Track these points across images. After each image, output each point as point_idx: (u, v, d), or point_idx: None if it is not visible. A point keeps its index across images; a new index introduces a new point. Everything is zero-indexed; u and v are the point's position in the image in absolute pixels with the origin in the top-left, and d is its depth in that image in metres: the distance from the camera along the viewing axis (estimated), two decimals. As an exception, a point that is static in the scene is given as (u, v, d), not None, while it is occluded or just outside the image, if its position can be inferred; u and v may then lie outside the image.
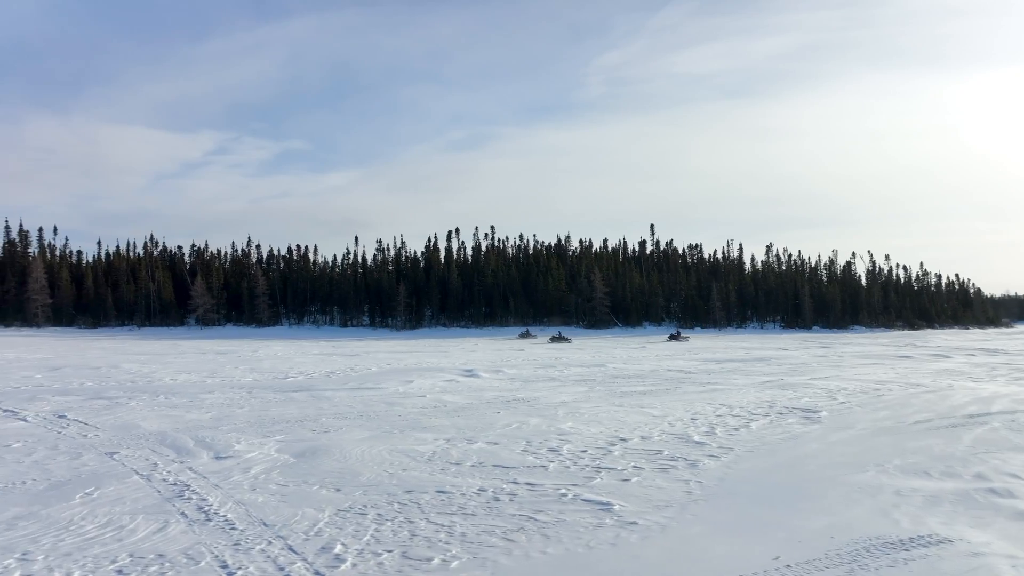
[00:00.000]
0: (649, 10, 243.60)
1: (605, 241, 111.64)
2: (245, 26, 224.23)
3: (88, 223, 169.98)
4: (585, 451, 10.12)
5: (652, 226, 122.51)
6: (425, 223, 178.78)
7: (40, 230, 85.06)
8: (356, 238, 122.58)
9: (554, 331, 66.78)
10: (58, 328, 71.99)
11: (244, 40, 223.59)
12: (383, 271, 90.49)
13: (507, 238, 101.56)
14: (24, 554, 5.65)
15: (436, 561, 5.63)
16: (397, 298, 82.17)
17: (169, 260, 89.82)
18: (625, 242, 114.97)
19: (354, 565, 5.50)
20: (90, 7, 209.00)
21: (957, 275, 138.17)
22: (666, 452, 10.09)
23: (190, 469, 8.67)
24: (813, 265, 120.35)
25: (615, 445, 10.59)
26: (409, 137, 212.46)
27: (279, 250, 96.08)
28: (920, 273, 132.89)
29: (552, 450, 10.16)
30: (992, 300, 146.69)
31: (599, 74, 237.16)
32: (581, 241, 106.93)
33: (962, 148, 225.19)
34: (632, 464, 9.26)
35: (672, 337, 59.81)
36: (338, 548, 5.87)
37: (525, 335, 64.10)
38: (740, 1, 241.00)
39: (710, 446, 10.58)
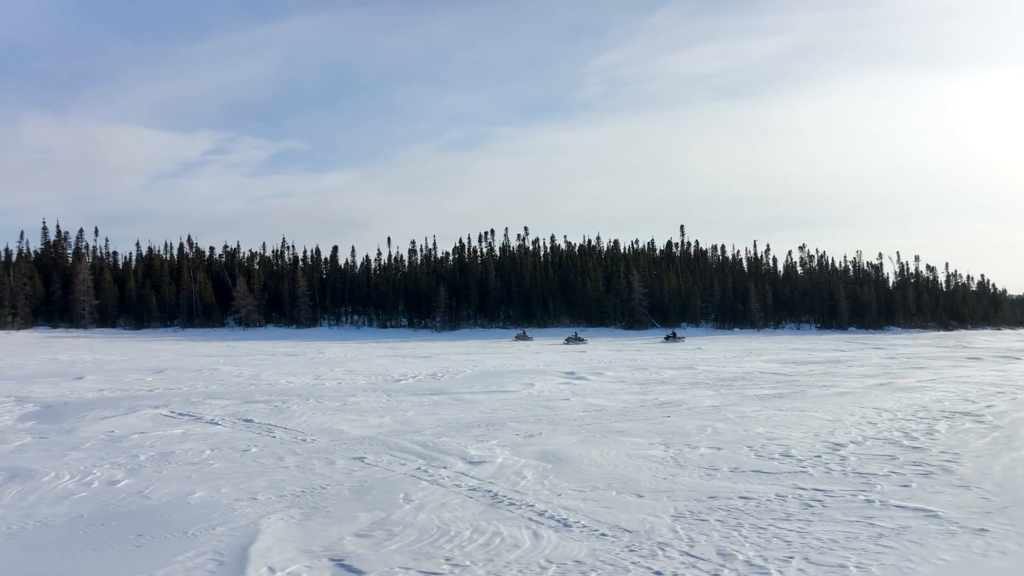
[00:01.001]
0: (646, 11, 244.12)
1: (636, 242, 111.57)
2: (243, 26, 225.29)
3: (86, 223, 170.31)
4: (818, 456, 9.99)
5: (682, 227, 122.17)
6: (423, 223, 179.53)
7: (81, 231, 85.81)
8: (388, 239, 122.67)
9: (593, 331, 66.37)
10: (104, 329, 72.48)
11: (242, 40, 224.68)
12: (421, 272, 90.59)
13: (536, 239, 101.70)
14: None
15: (852, 569, 5.55)
16: (437, 299, 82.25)
17: (206, 261, 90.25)
18: (653, 243, 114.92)
19: (802, 571, 5.42)
20: (88, 7, 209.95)
21: (983, 275, 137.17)
22: (900, 457, 9.95)
23: (466, 475, 8.61)
24: (843, 266, 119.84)
25: (838, 449, 10.46)
26: (407, 137, 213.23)
27: (313, 251, 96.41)
28: (950, 274, 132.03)
29: (785, 455, 10.04)
30: (1010, 300, 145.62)
31: (597, 74, 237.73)
32: (611, 242, 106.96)
33: (960, 148, 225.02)
34: (888, 470, 9.13)
35: (668, 338, 59.04)
36: (741, 556, 5.80)
37: (522, 336, 62.02)
38: (737, 2, 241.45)
39: (931, 451, 10.43)
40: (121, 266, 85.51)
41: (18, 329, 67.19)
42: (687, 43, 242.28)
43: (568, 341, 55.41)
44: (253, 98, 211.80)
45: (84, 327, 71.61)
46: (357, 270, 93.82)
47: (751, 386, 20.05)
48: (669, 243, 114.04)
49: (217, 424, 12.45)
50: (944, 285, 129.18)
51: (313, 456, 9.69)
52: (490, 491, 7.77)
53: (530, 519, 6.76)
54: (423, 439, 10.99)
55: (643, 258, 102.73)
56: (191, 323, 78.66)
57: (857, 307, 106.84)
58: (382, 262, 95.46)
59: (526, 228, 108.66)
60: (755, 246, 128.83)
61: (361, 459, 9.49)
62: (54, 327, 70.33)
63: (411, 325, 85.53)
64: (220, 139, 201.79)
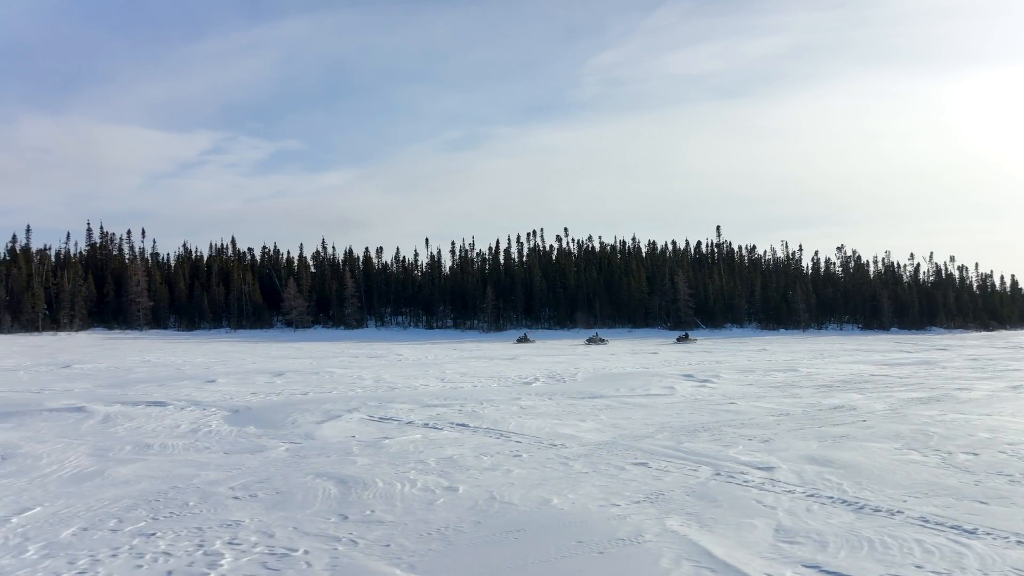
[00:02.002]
0: (643, 11, 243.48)
1: (672, 242, 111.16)
2: (240, 26, 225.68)
3: (84, 223, 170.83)
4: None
5: (718, 228, 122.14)
6: (422, 223, 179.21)
7: (128, 232, 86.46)
8: (427, 240, 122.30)
9: (641, 332, 65.94)
10: (158, 330, 73.04)
11: (239, 40, 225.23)
12: (467, 273, 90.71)
13: (573, 239, 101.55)
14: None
15: None
16: (485, 300, 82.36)
17: (247, 262, 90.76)
18: (688, 243, 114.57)
19: None
20: (84, 7, 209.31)
21: (1013, 276, 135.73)
22: None
23: (779, 481, 8.54)
24: (879, 267, 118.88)
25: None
26: (405, 137, 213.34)
27: (355, 251, 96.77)
28: (984, 275, 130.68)
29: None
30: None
31: (594, 74, 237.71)
32: (649, 243, 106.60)
33: (958, 148, 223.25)
34: None
35: (680, 339, 58.47)
36: None
37: (523, 339, 59.47)
38: (734, 2, 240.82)
39: None
40: (168, 267, 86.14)
41: (77, 331, 67.84)
42: (684, 43, 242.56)
43: (589, 342, 55.14)
44: (251, 98, 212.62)
45: (139, 328, 72.17)
46: (394, 270, 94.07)
47: (888, 389, 19.83)
48: (698, 243, 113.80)
49: (438, 429, 12.43)
50: (976, 286, 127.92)
51: (595, 461, 9.63)
52: (851, 501, 7.67)
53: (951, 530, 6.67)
54: (670, 444, 10.92)
55: (683, 258, 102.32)
56: (240, 324, 79.10)
57: (899, 308, 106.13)
58: (420, 262, 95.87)
59: (566, 229, 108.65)
60: (786, 247, 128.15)
61: (644, 464, 9.45)
62: (110, 328, 70.93)
63: (455, 326, 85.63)
64: (218, 139, 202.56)
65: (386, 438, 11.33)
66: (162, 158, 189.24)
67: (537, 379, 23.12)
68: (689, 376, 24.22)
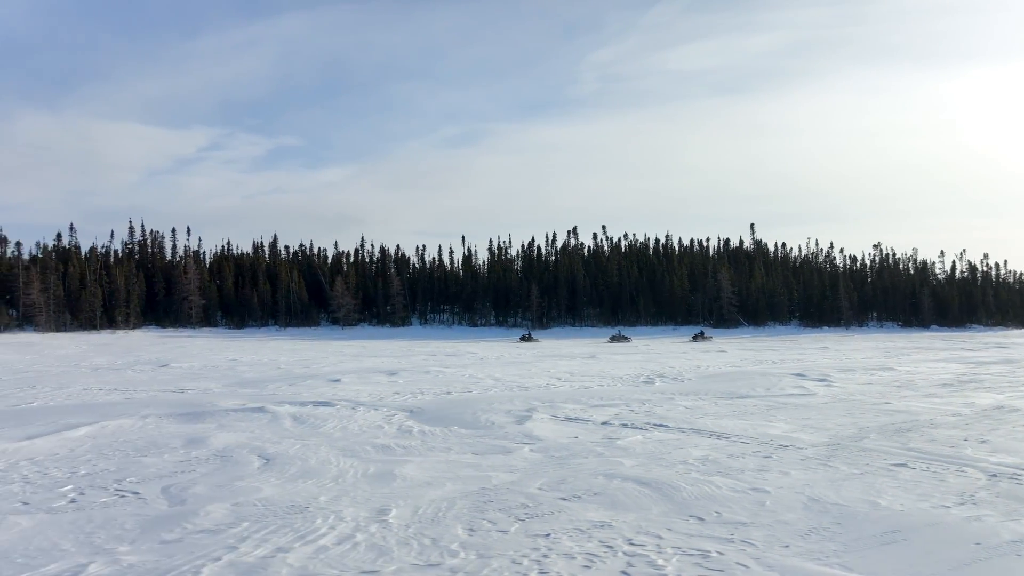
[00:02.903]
0: (641, 7, 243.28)
1: (707, 239, 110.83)
2: (237, 23, 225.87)
3: (82, 219, 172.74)
4: None
5: (752, 225, 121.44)
6: (420, 220, 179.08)
7: (174, 230, 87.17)
8: (463, 237, 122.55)
9: (685, 330, 65.70)
10: (209, 328, 73.65)
11: (236, 37, 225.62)
12: (509, 270, 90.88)
13: (609, 237, 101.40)
14: None
15: None
16: (530, 298, 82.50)
17: (296, 260, 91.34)
18: (720, 240, 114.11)
19: None
20: (81, 4, 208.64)
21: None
22: None
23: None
24: (921, 264, 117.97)
25: None
26: (403, 134, 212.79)
27: (400, 250, 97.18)
28: (1021, 272, 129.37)
29: None
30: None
31: (592, 71, 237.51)
32: (687, 241, 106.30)
33: (956, 144, 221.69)
34: None
35: (696, 338, 58.13)
36: None
37: (527, 338, 56.77)
38: None
39: None
40: (215, 265, 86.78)
41: (132, 328, 68.55)
42: (682, 40, 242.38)
43: (613, 339, 55.09)
44: (248, 94, 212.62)
45: (192, 326, 72.82)
46: (432, 267, 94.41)
47: (1017, 387, 19.75)
48: (727, 240, 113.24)
49: (642, 429, 12.49)
50: (1013, 283, 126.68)
51: (850, 462, 9.68)
52: None
53: None
54: (894, 445, 10.94)
55: (721, 256, 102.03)
56: (287, 323, 79.62)
57: (939, 305, 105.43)
58: (455, 260, 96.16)
59: (604, 227, 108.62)
60: (817, 243, 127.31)
61: (905, 466, 9.49)
62: (162, 327, 71.60)
63: (497, 324, 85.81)
64: (215, 135, 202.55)
65: (612, 439, 11.41)
66: (160, 155, 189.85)
67: (652, 378, 23.16)
68: (801, 375, 24.18)
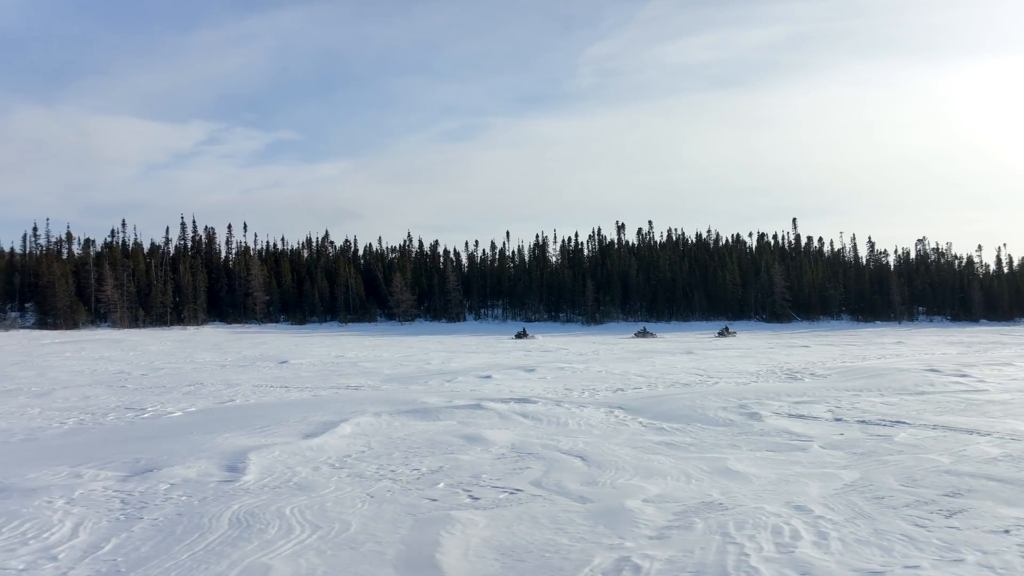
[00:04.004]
0: (638, 1, 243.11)
1: (750, 234, 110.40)
2: (233, 17, 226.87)
3: (79, 214, 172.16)
4: None
5: (794, 220, 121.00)
6: (419, 214, 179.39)
7: (230, 227, 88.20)
8: (508, 233, 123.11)
9: (739, 325, 65.51)
10: (272, 324, 74.49)
11: (233, 31, 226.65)
12: (563, 266, 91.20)
13: (653, 231, 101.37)
14: None
15: None
16: (585, 293, 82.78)
17: (352, 256, 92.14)
18: (761, 234, 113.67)
19: None
20: None
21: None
22: None
23: None
24: (966, 259, 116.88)
25: None
26: (401, 128, 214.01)
27: (454, 246, 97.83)
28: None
29: None
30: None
31: (589, 64, 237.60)
32: (719, 234, 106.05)
33: (954, 138, 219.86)
34: None
35: (721, 333, 57.44)
36: None
37: (522, 335, 54.25)
38: None
39: None
40: (275, 261, 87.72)
41: (200, 325, 69.52)
42: (679, 33, 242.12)
43: (637, 335, 55.12)
44: (245, 89, 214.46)
45: (258, 322, 73.70)
46: (481, 262, 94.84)
47: None
48: (762, 235, 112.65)
49: (885, 425, 12.74)
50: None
51: None
52: None
53: None
54: None
55: (762, 250, 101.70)
56: (346, 318, 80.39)
57: (989, 299, 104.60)
58: (496, 254, 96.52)
59: (650, 222, 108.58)
60: (853, 239, 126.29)
61: None
62: (229, 323, 72.52)
63: (551, 319, 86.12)
64: (213, 130, 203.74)
65: (886, 436, 11.64)
66: (157, 149, 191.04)
67: (795, 374, 23.28)
68: (935, 370, 24.19)
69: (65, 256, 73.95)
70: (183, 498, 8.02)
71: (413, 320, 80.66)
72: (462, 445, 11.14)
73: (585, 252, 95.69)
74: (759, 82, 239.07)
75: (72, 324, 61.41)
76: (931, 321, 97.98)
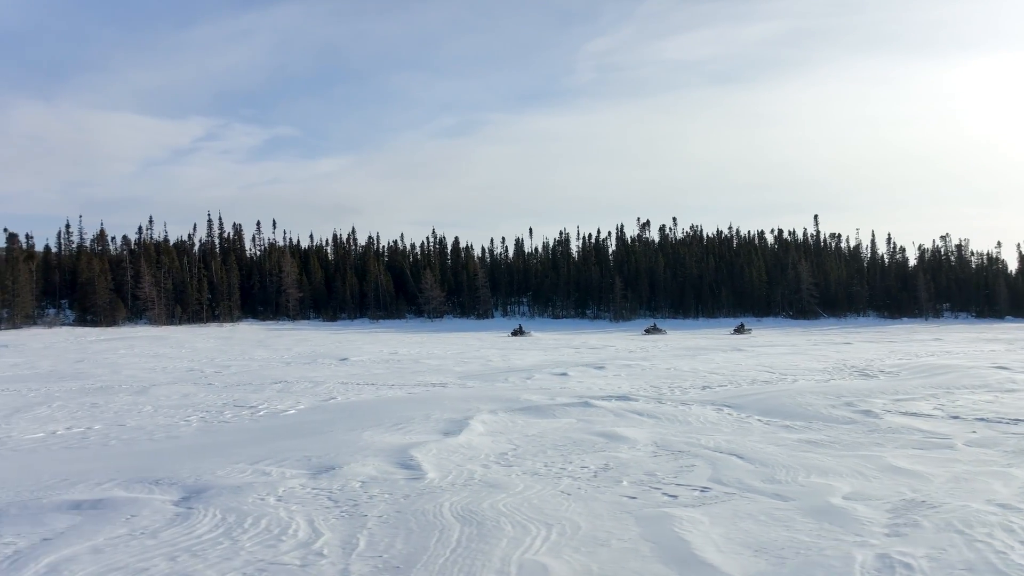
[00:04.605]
0: None
1: (772, 230, 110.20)
2: (231, 12, 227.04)
3: (78, 210, 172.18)
4: None
5: (816, 217, 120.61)
6: (418, 210, 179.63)
7: (259, 224, 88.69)
8: (530, 229, 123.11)
9: (769, 321, 65.71)
10: (304, 320, 74.95)
11: (230, 26, 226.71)
12: (590, 262, 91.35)
13: (676, 228, 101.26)
14: None
15: None
16: (613, 290, 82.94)
17: (376, 252, 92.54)
18: (780, 231, 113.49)
19: None
20: None
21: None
22: None
23: None
24: (986, 255, 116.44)
25: None
26: (399, 124, 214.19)
27: (479, 244, 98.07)
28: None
29: None
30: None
31: (589, 60, 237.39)
32: (739, 230, 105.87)
33: (956, 134, 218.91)
34: None
35: (737, 330, 57.79)
36: None
37: (518, 332, 53.34)
38: None
39: None
40: (304, 258, 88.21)
41: (235, 321, 70.02)
42: (679, 29, 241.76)
43: (647, 332, 55.38)
44: (243, 84, 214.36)
45: (291, 319, 74.18)
46: (503, 259, 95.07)
47: None
48: (789, 232, 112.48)
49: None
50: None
51: None
52: None
53: None
54: None
55: (798, 247, 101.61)
56: (376, 315, 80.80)
57: (1014, 296, 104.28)
58: (523, 251, 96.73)
59: (674, 219, 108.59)
60: (874, 235, 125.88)
61: None
62: (262, 320, 73.00)
63: (578, 315, 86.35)
64: (211, 126, 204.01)
65: (1015, 435, 11.79)
66: (155, 145, 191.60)
67: (868, 372, 23.37)
68: (1004, 368, 24.25)
69: (98, 253, 74.46)
70: (386, 495, 8.23)
71: (442, 317, 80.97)
72: (606, 443, 11.34)
73: (610, 248, 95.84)
74: (760, 78, 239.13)
75: (111, 321, 61.98)
76: (956, 318, 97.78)
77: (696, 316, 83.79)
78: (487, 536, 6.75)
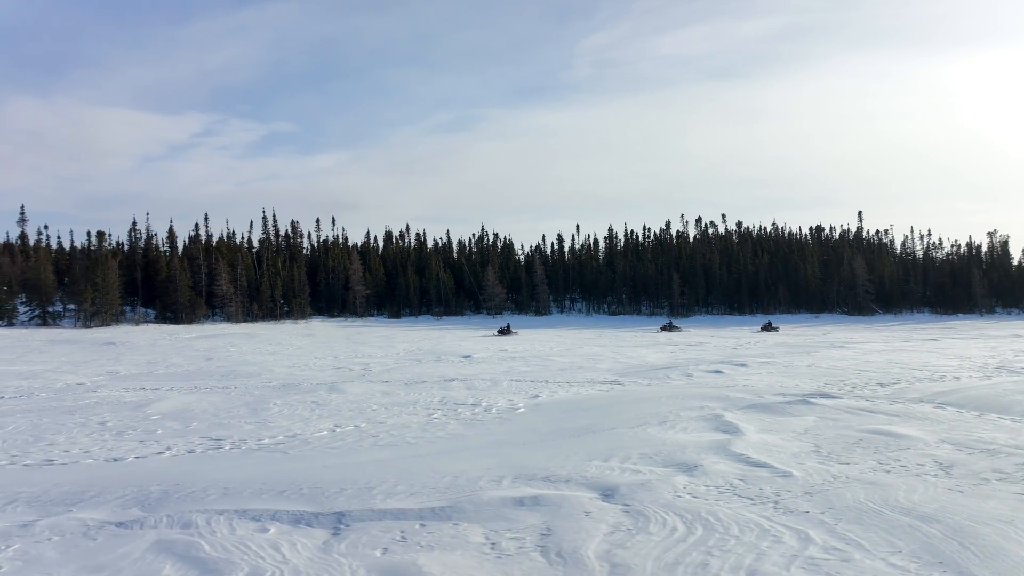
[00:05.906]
0: None
1: (814, 227, 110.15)
2: (227, 9, 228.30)
3: (75, 206, 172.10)
4: None
5: (860, 213, 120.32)
6: (415, 205, 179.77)
7: (317, 221, 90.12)
8: (577, 226, 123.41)
9: (766, 320, 65.48)
10: (371, 318, 76.12)
11: (227, 22, 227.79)
12: (644, 258, 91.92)
13: (727, 223, 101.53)
14: None
15: None
16: (670, 287, 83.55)
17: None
18: (832, 227, 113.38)
19: None
20: None
21: None
22: None
23: None
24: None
25: None
26: (397, 119, 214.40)
27: (545, 239, 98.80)
28: None
29: None
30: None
31: (586, 56, 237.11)
32: (787, 226, 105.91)
33: (955, 128, 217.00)
34: None
35: (764, 328, 57.80)
36: None
37: (504, 331, 52.34)
38: None
39: None
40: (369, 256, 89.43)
41: (307, 319, 71.33)
42: (676, 24, 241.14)
43: (663, 329, 56.07)
44: (241, 80, 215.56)
45: (358, 316, 75.40)
46: (555, 256, 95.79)
47: None
48: (817, 227, 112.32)
49: None
50: None
51: None
52: None
53: None
54: None
55: (839, 242, 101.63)
56: (437, 313, 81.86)
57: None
58: (576, 247, 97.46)
59: (723, 215, 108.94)
60: (912, 231, 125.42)
61: None
62: (331, 317, 74.26)
63: (634, 312, 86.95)
64: (209, 121, 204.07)
65: None
66: (153, 141, 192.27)
67: (1001, 369, 23.80)
68: None
69: (165, 252, 76.01)
70: (803, 492, 9.04)
71: (501, 313, 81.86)
72: (892, 440, 12.01)
73: (669, 241, 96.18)
74: (757, 73, 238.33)
75: (191, 318, 63.44)
76: (1009, 314, 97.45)
77: (753, 312, 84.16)
78: (845, 548, 7.53)
